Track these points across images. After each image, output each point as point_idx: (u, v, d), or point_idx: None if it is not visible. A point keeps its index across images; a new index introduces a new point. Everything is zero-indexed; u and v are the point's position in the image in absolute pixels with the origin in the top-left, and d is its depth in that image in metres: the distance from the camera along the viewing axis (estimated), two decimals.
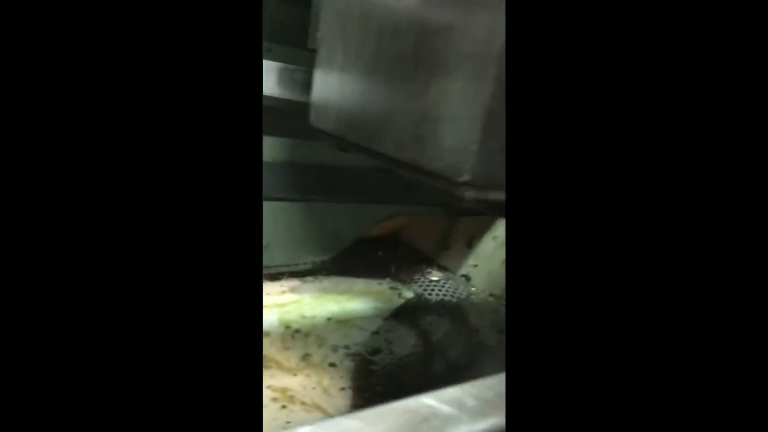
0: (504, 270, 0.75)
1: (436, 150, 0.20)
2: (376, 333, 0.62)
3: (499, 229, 0.77)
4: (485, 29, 0.18)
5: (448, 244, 0.83)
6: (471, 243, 0.80)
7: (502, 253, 0.76)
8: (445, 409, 0.20)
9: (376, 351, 0.58)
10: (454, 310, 0.71)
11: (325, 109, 0.30)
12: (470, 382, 0.23)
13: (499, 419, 0.22)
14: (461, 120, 0.19)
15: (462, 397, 0.22)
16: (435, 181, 0.21)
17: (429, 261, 0.85)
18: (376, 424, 0.19)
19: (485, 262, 0.78)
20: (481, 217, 0.78)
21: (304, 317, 0.62)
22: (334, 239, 0.66)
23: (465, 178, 0.19)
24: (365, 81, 0.26)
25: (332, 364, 0.54)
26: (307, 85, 0.34)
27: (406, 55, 0.23)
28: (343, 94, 0.28)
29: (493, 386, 0.23)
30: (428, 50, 0.21)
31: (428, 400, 0.21)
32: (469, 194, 0.19)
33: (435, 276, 0.80)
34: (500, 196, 0.20)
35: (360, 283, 0.73)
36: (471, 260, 0.79)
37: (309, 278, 0.72)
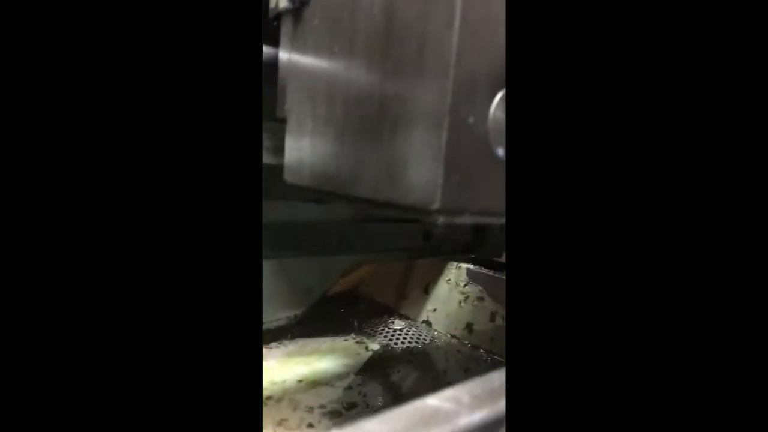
0: (460, 310, 0.79)
1: (408, 188, 0.25)
2: (349, 388, 0.61)
3: (451, 273, 0.82)
4: (434, 93, 0.23)
5: (405, 293, 0.86)
6: (427, 289, 0.84)
7: (456, 295, 0.80)
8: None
9: (352, 405, 0.58)
10: (420, 356, 0.73)
11: (299, 168, 0.33)
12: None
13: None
14: (425, 162, 0.24)
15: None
16: (410, 213, 0.25)
17: (390, 312, 0.87)
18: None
19: (443, 305, 0.81)
20: (432, 263, 0.83)
21: (273, 383, 0.61)
22: (306, 292, 0.67)
23: (436, 206, 0.23)
24: (336, 141, 0.30)
25: (310, 425, 0.53)
26: (275, 150, 0.38)
27: (371, 118, 0.27)
28: (315, 154, 0.33)
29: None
30: (389, 112, 0.26)
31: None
32: (441, 220, 0.23)
33: (398, 325, 0.82)
34: (466, 220, 0.24)
35: (326, 342, 0.73)
36: (429, 305, 0.83)
37: (273, 344, 0.71)
